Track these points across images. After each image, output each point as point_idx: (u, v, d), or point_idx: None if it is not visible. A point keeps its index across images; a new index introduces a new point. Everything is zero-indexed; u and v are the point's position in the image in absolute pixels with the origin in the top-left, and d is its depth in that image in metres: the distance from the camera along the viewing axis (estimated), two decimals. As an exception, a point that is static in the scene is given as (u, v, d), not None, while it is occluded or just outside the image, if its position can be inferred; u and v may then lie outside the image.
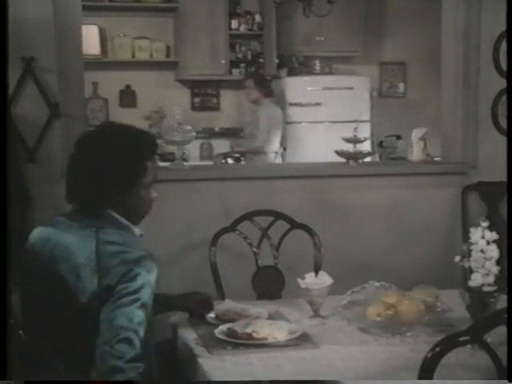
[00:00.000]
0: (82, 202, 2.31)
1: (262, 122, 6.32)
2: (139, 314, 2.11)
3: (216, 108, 7.50)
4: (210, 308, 2.68)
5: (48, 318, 2.26)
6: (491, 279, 2.31)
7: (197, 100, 7.48)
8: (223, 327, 2.46)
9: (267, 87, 6.48)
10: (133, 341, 2.08)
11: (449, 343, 1.69)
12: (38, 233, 2.40)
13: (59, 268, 2.23)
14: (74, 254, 2.21)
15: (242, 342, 2.35)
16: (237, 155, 6.28)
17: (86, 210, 2.29)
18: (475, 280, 2.32)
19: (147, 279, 2.15)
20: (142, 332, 2.11)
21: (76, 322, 2.20)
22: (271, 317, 2.64)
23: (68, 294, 2.19)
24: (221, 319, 2.59)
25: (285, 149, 6.82)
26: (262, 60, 7.36)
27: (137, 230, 2.35)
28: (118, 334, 2.08)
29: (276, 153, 6.46)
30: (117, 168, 2.24)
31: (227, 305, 2.76)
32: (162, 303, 2.50)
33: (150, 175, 2.31)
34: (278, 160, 6.50)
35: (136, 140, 2.30)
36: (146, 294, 2.14)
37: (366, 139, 4.80)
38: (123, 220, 2.30)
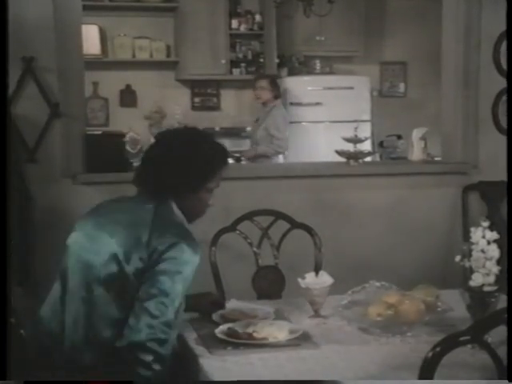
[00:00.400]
0: (150, 187, 2.43)
1: (281, 123, 6.25)
2: (179, 288, 2.23)
3: (216, 108, 7.50)
4: (222, 308, 2.70)
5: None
6: (492, 279, 2.31)
7: (197, 100, 7.47)
8: (224, 327, 2.46)
9: (279, 88, 6.45)
10: (167, 307, 2.21)
11: (449, 343, 1.69)
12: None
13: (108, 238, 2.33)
14: (126, 218, 2.35)
15: (242, 342, 2.35)
16: (237, 155, 6.25)
17: (151, 194, 2.41)
18: (476, 280, 2.32)
19: (193, 259, 2.27)
20: (177, 304, 2.24)
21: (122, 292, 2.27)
22: (271, 317, 2.64)
23: (117, 261, 2.27)
24: (227, 319, 2.59)
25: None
26: (262, 60, 7.35)
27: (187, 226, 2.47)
28: (156, 295, 2.20)
29: (284, 154, 6.43)
30: (192, 168, 2.41)
31: (233, 305, 2.76)
32: None
33: (215, 183, 2.49)
34: (279, 160, 6.48)
35: (214, 149, 2.49)
36: (189, 272, 2.27)
37: (366, 139, 4.80)
38: (179, 213, 2.44)
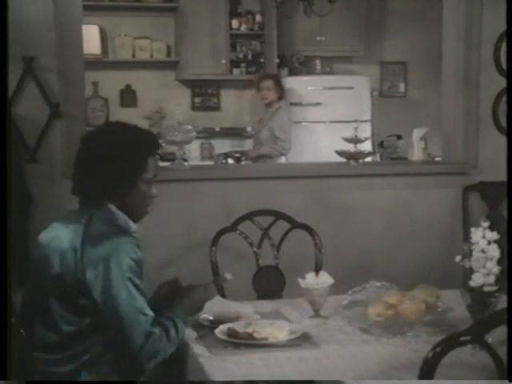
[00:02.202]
0: (85, 195, 2.43)
1: (286, 125, 6.24)
2: (134, 295, 2.22)
3: (216, 108, 7.49)
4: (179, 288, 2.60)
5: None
6: (492, 279, 2.31)
7: (197, 100, 7.47)
8: (224, 327, 2.46)
9: (283, 88, 6.45)
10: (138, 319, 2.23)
11: (449, 343, 1.69)
12: (47, 229, 2.50)
13: (52, 257, 2.34)
14: (63, 241, 2.32)
15: (242, 342, 2.35)
16: (238, 155, 6.25)
17: (87, 202, 2.42)
18: (476, 280, 2.32)
19: (120, 262, 2.23)
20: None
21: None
22: (272, 317, 2.63)
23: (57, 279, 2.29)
24: (214, 321, 2.57)
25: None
26: (262, 60, 7.35)
27: (133, 226, 2.43)
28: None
29: (287, 155, 6.42)
30: (119, 162, 2.35)
31: (217, 302, 2.74)
32: None
33: (151, 172, 2.42)
34: (280, 160, 6.48)
35: (138, 137, 2.42)
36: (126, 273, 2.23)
37: (366, 139, 4.79)
38: (120, 213, 2.39)
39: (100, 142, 2.41)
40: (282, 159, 6.40)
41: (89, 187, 2.40)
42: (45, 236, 2.43)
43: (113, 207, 2.39)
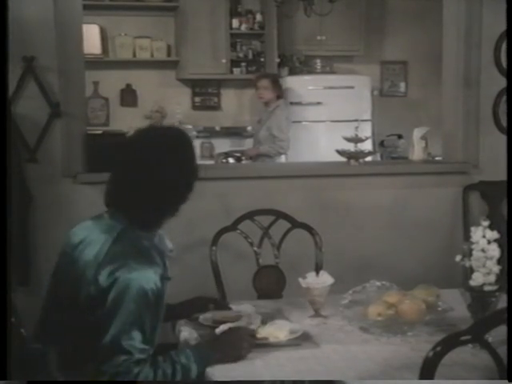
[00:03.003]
0: (122, 209, 2.32)
1: (284, 124, 6.27)
2: (132, 333, 2.13)
3: (217, 107, 7.49)
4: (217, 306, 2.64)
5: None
6: (492, 278, 2.31)
7: (197, 99, 7.47)
8: (224, 327, 2.45)
9: (281, 87, 6.46)
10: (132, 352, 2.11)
11: (450, 342, 1.69)
12: (80, 226, 2.43)
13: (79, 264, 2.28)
14: (89, 250, 2.26)
15: (242, 342, 2.34)
16: (238, 155, 6.26)
17: (131, 222, 2.30)
18: (476, 279, 2.32)
19: (130, 289, 2.13)
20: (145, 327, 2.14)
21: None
22: (272, 316, 2.63)
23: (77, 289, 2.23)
24: (216, 321, 2.57)
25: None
26: (262, 59, 7.35)
27: (169, 244, 2.41)
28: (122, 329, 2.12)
29: (287, 154, 6.43)
30: (172, 191, 2.32)
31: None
32: (166, 315, 2.36)
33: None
34: (280, 159, 6.49)
35: (189, 166, 2.35)
36: (139, 292, 2.14)
37: (367, 138, 4.80)
38: (159, 236, 2.36)
39: (150, 155, 2.27)
40: (282, 158, 6.41)
41: (127, 201, 2.30)
42: (75, 234, 2.36)
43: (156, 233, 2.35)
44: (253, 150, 6.30)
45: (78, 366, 2.26)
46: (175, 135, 2.37)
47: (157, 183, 2.27)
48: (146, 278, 2.16)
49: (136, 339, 2.13)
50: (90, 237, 2.30)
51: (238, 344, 2.27)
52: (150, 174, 2.26)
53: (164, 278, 2.24)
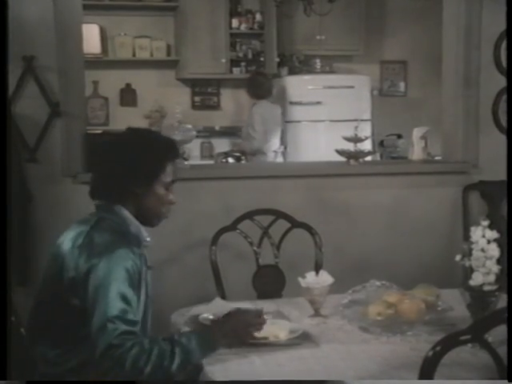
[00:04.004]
0: (101, 197, 2.44)
1: (256, 123, 6.37)
2: (117, 305, 2.17)
3: (216, 107, 7.50)
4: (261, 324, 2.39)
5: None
6: (492, 278, 2.31)
7: (197, 99, 7.47)
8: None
9: (258, 88, 6.49)
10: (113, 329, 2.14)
11: (449, 342, 1.69)
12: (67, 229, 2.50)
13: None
14: (69, 242, 2.35)
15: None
16: (237, 154, 6.27)
17: (102, 204, 2.43)
18: (476, 279, 2.32)
19: (109, 267, 2.22)
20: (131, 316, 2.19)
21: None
22: (272, 316, 2.63)
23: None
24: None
25: (285, 148, 6.82)
26: (262, 59, 7.35)
27: (144, 234, 2.45)
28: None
29: (276, 152, 6.47)
30: (136, 164, 2.38)
31: (218, 303, 2.75)
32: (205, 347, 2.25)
33: (169, 176, 2.44)
34: (279, 159, 6.50)
35: (158, 142, 2.46)
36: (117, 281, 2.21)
37: (366, 138, 4.80)
38: (133, 220, 2.41)
39: (119, 146, 2.45)
40: (280, 157, 6.46)
41: (105, 188, 2.41)
42: (61, 236, 2.44)
43: (126, 212, 2.40)
44: (237, 146, 6.59)
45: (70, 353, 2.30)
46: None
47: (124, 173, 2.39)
48: (125, 256, 2.25)
49: (122, 310, 2.16)
50: (69, 231, 2.41)
51: (247, 324, 2.32)
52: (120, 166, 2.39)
53: (145, 267, 2.37)
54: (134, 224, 2.41)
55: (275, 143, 6.49)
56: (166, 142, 2.49)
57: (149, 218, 2.45)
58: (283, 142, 6.72)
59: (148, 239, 2.47)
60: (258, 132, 6.35)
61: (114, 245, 2.27)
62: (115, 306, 2.16)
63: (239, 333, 2.32)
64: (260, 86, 6.50)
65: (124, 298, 2.19)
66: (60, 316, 2.31)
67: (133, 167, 2.37)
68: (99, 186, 2.44)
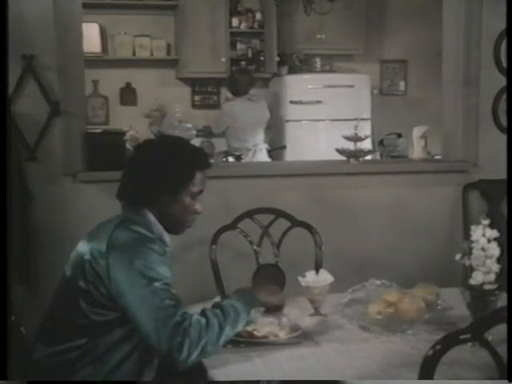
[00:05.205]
0: (127, 198, 2.45)
1: (219, 117, 6.60)
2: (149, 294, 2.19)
3: (216, 106, 7.49)
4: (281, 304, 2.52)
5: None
6: (492, 277, 2.31)
7: (197, 98, 7.47)
8: None
9: (233, 85, 6.54)
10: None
11: (449, 341, 1.69)
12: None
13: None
14: (95, 240, 2.34)
15: (242, 340, 2.35)
16: (237, 153, 6.26)
17: (128, 205, 2.43)
18: (476, 278, 2.32)
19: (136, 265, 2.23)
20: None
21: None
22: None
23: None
24: None
25: (285, 147, 6.82)
26: (262, 58, 7.35)
27: (167, 238, 2.45)
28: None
29: (250, 150, 6.39)
30: (166, 171, 2.39)
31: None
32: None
33: (197, 186, 2.45)
34: (259, 158, 6.43)
35: (188, 151, 2.47)
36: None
37: (366, 137, 4.80)
38: (156, 223, 2.41)
39: (151, 152, 2.45)
40: (263, 156, 6.44)
41: (132, 191, 2.42)
42: (88, 234, 2.44)
43: (151, 216, 2.40)
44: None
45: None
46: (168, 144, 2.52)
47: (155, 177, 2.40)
48: (153, 252, 2.28)
49: (162, 291, 2.20)
50: (94, 229, 2.42)
51: (276, 292, 2.47)
52: (150, 172, 2.40)
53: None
54: (158, 228, 2.41)
55: (250, 141, 6.45)
56: (195, 152, 2.49)
57: (173, 225, 2.46)
58: (279, 142, 6.74)
59: (169, 245, 2.46)
60: (218, 125, 6.57)
61: (137, 244, 2.29)
62: (154, 296, 2.18)
63: (274, 295, 2.45)
64: (235, 83, 6.51)
65: (158, 289, 2.21)
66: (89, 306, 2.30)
67: (161, 174, 2.38)
68: (127, 189, 2.44)
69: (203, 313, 2.22)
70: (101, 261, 2.26)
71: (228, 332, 2.21)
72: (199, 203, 2.48)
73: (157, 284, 2.20)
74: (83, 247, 2.35)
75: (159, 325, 2.14)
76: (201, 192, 2.47)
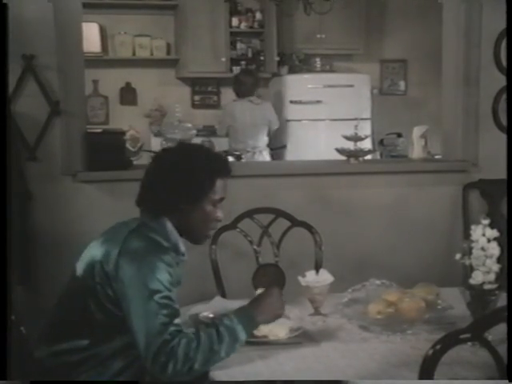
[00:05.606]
0: (147, 205, 2.42)
1: (220, 119, 6.63)
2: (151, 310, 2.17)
3: (216, 106, 7.50)
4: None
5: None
6: (492, 277, 2.31)
7: (197, 98, 7.48)
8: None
9: (238, 86, 6.54)
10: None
11: (449, 341, 1.69)
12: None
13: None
14: (109, 243, 2.33)
15: (242, 340, 2.34)
16: (237, 153, 6.26)
17: (146, 211, 2.41)
18: (476, 278, 2.32)
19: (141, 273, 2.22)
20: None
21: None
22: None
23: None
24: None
25: (285, 146, 6.82)
26: (262, 58, 7.36)
27: (182, 248, 2.43)
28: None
29: (250, 152, 6.40)
30: (186, 179, 2.37)
31: (217, 303, 2.75)
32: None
33: (218, 193, 2.42)
34: (260, 158, 6.44)
35: (209, 158, 2.44)
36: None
37: (366, 137, 4.80)
38: (174, 231, 2.39)
39: (171, 159, 2.43)
40: (265, 156, 6.44)
41: (151, 199, 2.40)
42: (102, 234, 2.44)
43: (169, 225, 2.38)
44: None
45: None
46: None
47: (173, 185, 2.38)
48: (164, 267, 2.25)
49: (163, 306, 2.17)
50: (109, 230, 2.42)
51: (277, 303, 2.34)
52: (170, 180, 2.38)
53: (176, 282, 2.33)
54: (174, 236, 2.39)
55: (249, 143, 6.45)
56: (217, 159, 2.47)
57: (193, 234, 2.44)
58: (279, 141, 6.75)
59: (185, 255, 2.45)
60: (220, 126, 6.59)
61: (151, 253, 2.26)
62: (154, 315, 2.15)
63: (275, 309, 2.34)
64: (239, 85, 6.50)
65: (162, 305, 2.18)
66: (94, 307, 2.30)
67: (182, 183, 2.36)
68: (146, 196, 2.42)
69: (196, 333, 2.16)
70: (111, 263, 2.25)
71: (223, 355, 2.15)
72: (220, 210, 2.46)
73: (157, 297, 2.17)
74: (96, 248, 2.34)
75: (149, 339, 2.12)
76: (222, 199, 2.45)
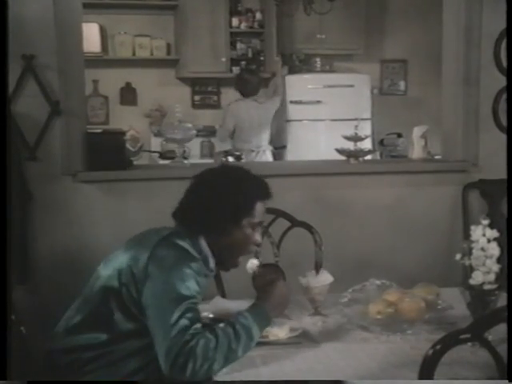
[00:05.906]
0: (185, 224, 2.41)
1: (224, 118, 6.56)
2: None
3: (216, 106, 7.50)
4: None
5: None
6: (492, 277, 2.31)
7: (197, 98, 7.47)
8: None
9: (242, 85, 6.53)
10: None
11: (449, 341, 1.69)
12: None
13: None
14: (140, 247, 2.33)
15: (242, 340, 2.34)
16: (237, 153, 6.26)
17: (183, 227, 2.40)
18: (476, 278, 2.32)
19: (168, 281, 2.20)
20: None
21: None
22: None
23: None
24: (217, 320, 2.57)
25: (285, 146, 6.82)
26: (262, 58, 7.35)
27: (212, 263, 2.42)
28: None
29: (254, 151, 6.40)
30: (227, 202, 2.37)
31: (218, 302, 2.75)
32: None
33: (257, 217, 2.44)
34: (263, 158, 6.44)
35: (249, 181, 2.48)
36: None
37: (366, 137, 4.80)
38: (205, 247, 2.39)
39: (212, 179, 2.45)
40: (268, 156, 6.44)
41: (190, 217, 2.39)
42: (132, 239, 2.44)
43: (203, 241, 2.38)
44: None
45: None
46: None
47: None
48: (191, 275, 2.23)
49: (186, 310, 2.15)
50: (141, 236, 2.42)
51: (285, 294, 2.33)
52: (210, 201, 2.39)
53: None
54: (206, 251, 2.39)
55: (254, 142, 6.45)
56: (257, 182, 2.50)
57: (228, 256, 2.44)
58: (279, 141, 6.74)
59: (213, 269, 2.44)
60: (223, 124, 6.51)
61: (178, 259, 2.26)
62: (174, 319, 2.13)
63: (284, 303, 2.34)
64: (245, 84, 6.50)
65: (189, 298, 2.18)
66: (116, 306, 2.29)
67: (221, 204, 2.36)
68: (185, 212, 2.43)
69: (214, 331, 2.14)
70: (141, 266, 2.24)
71: (240, 354, 2.14)
72: (259, 234, 2.46)
73: (184, 302, 2.16)
74: (124, 251, 2.34)
75: (171, 341, 2.09)
76: (261, 223, 2.47)
